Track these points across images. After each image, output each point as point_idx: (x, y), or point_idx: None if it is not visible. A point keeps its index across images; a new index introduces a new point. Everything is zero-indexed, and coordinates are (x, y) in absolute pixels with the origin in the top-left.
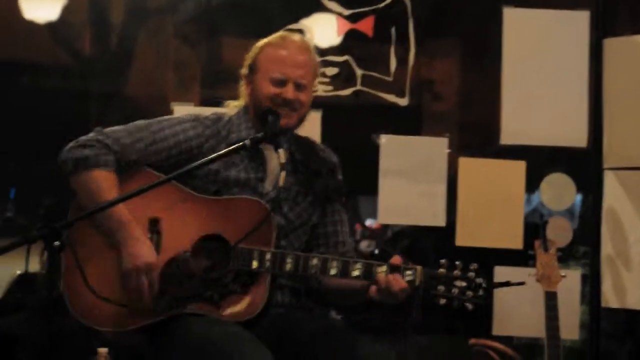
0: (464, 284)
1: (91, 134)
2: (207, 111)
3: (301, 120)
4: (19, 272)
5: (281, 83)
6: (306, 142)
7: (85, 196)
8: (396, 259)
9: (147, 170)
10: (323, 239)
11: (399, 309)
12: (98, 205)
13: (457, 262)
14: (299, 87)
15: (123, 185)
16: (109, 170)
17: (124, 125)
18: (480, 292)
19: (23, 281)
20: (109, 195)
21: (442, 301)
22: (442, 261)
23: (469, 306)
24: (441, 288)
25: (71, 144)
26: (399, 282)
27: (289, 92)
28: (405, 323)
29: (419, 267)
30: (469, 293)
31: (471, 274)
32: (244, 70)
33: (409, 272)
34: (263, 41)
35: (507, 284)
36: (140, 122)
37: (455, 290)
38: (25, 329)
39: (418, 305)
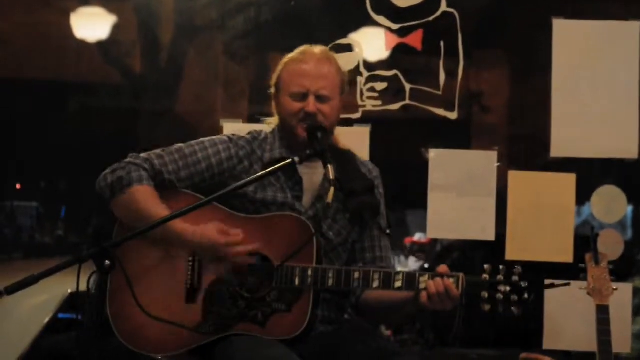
0: (508, 288)
1: (125, 159)
2: (256, 127)
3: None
4: (70, 290)
5: (302, 97)
6: (345, 156)
7: (128, 214)
8: (442, 268)
9: (186, 193)
10: (360, 254)
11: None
12: (145, 221)
13: (500, 267)
14: (320, 99)
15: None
16: (144, 184)
17: (158, 150)
18: (526, 296)
19: (74, 300)
20: (151, 205)
21: (487, 307)
22: (486, 266)
23: (515, 311)
24: (485, 294)
25: (105, 172)
26: (451, 288)
27: (310, 104)
28: (450, 335)
29: (460, 274)
30: (514, 297)
31: (515, 278)
32: (272, 90)
33: (451, 281)
34: (285, 58)
35: (551, 285)
36: (174, 146)
37: (499, 296)
38: (76, 347)
39: (460, 316)
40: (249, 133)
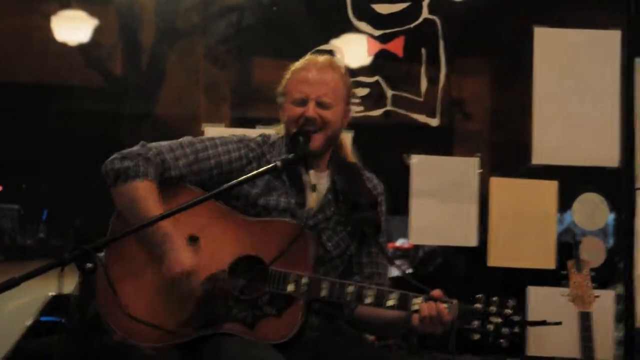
0: (499, 320)
1: (135, 147)
2: (239, 132)
3: (329, 141)
4: (51, 293)
5: (302, 103)
6: (352, 169)
7: (126, 207)
8: (436, 292)
9: (189, 188)
10: (357, 268)
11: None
12: (140, 217)
13: (493, 298)
14: (321, 105)
15: (166, 201)
16: (149, 180)
17: (169, 141)
18: (516, 330)
19: (56, 302)
20: (150, 205)
21: (476, 337)
22: (479, 296)
23: (504, 343)
24: (476, 323)
25: (114, 156)
26: (443, 313)
27: (309, 109)
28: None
29: (454, 301)
30: (505, 330)
31: (508, 311)
32: (279, 99)
33: (444, 306)
34: (291, 66)
35: (543, 323)
36: (185, 139)
37: (490, 327)
38: (59, 349)
39: (453, 342)
40: (259, 136)
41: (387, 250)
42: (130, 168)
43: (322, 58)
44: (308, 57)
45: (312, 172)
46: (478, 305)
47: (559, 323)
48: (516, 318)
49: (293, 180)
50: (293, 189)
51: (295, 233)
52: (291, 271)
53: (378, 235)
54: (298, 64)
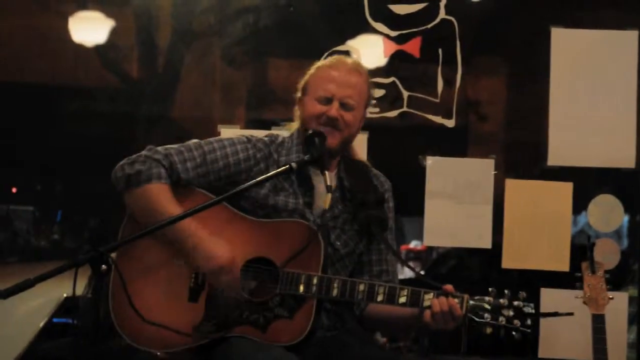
0: (511, 312)
1: (143, 152)
2: (254, 133)
3: (345, 142)
4: (65, 294)
5: (327, 101)
6: (359, 167)
7: (140, 211)
8: (448, 287)
9: (197, 191)
10: (367, 266)
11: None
12: (158, 219)
13: (505, 291)
14: (344, 106)
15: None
16: (162, 182)
17: (176, 144)
18: (528, 322)
19: (69, 304)
20: (166, 204)
21: (489, 330)
22: (490, 289)
23: (516, 335)
24: (488, 316)
25: (122, 162)
26: (455, 308)
27: (332, 109)
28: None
29: (465, 295)
30: (516, 322)
31: (519, 303)
32: (298, 94)
33: (456, 301)
34: (316, 63)
35: (555, 314)
36: (192, 142)
37: (502, 319)
38: (70, 352)
39: (465, 337)
40: (266, 135)
41: (395, 247)
42: (142, 172)
43: (350, 60)
44: (336, 56)
45: (327, 173)
46: (489, 299)
47: (571, 314)
48: (528, 310)
49: (302, 180)
50: (301, 189)
51: (305, 233)
52: (302, 272)
53: (385, 232)
54: (325, 61)
